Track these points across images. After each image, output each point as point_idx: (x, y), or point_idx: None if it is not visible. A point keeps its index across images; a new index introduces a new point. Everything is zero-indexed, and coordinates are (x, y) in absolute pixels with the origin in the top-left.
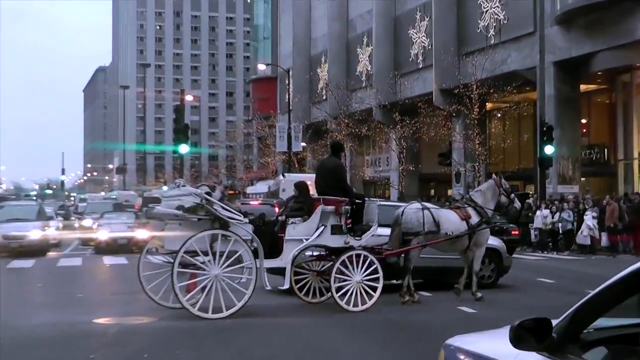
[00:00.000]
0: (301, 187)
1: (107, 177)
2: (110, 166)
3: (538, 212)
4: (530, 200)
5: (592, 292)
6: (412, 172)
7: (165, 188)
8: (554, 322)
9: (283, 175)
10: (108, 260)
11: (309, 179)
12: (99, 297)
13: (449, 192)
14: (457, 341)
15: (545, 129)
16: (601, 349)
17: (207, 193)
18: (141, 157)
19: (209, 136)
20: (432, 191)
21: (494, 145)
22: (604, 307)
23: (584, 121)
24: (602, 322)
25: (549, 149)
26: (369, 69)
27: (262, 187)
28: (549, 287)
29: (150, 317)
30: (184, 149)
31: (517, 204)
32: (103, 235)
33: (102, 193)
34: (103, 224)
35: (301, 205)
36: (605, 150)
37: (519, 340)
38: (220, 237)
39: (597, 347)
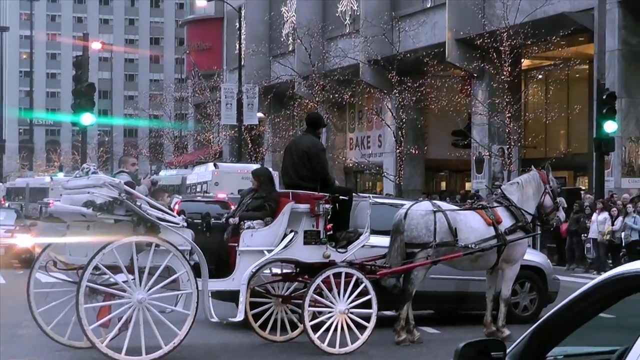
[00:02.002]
0: (262, 176)
1: None
2: None
3: (594, 217)
4: (584, 200)
5: (554, 309)
6: (414, 157)
7: (61, 175)
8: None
9: (215, 166)
10: None
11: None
12: None
13: (467, 185)
14: None
15: (605, 97)
16: None
17: (129, 184)
18: (26, 131)
19: (125, 102)
20: (443, 184)
21: (532, 120)
22: (569, 326)
23: None
24: (571, 349)
25: (610, 126)
26: (355, 8)
27: (169, 177)
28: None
29: None
30: (87, 119)
31: (562, 215)
32: None
33: None
34: None
35: (262, 203)
36: None
37: None
38: (153, 246)
39: None
